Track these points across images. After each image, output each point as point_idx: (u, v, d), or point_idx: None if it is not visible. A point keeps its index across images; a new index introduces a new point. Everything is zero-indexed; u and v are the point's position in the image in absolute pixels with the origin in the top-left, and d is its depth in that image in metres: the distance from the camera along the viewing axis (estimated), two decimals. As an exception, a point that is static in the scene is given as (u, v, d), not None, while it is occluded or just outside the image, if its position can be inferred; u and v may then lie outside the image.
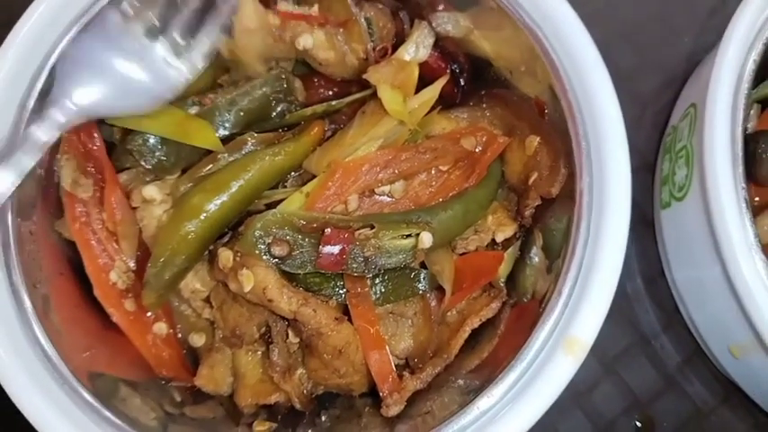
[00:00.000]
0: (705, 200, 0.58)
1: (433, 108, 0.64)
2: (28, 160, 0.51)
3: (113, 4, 0.56)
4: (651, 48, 0.81)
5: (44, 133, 0.52)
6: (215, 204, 0.55)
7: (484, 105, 0.66)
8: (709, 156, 0.58)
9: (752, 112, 0.66)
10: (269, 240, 0.53)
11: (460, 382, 0.56)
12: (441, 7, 0.66)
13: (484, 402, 0.50)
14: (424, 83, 0.65)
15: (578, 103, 0.57)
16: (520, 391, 0.50)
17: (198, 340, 0.59)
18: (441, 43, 0.67)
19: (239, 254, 0.54)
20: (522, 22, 0.59)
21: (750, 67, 0.61)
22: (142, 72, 0.55)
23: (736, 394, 0.72)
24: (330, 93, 0.68)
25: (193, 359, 0.61)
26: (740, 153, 0.58)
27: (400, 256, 0.55)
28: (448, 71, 0.67)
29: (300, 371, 0.56)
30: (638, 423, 0.72)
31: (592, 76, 0.57)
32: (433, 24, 0.66)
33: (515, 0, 0.60)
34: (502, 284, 0.60)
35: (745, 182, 0.58)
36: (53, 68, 0.55)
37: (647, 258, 0.76)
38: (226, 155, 0.59)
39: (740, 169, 0.58)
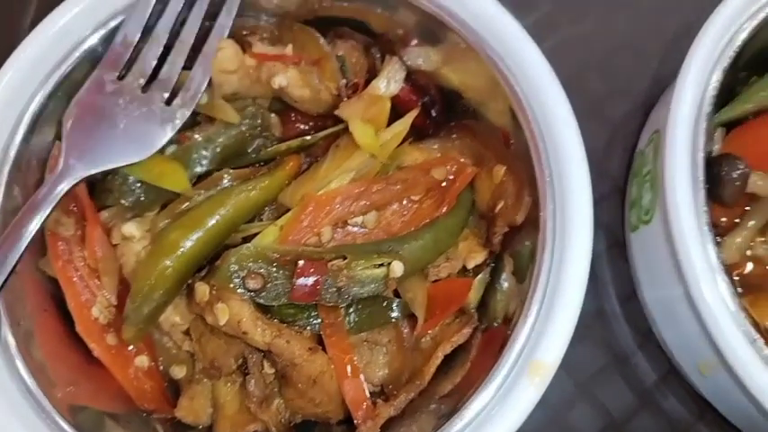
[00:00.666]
0: (667, 223, 0.60)
1: (405, 140, 0.66)
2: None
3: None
4: (621, 75, 0.84)
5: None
6: (191, 240, 0.57)
7: (454, 136, 0.68)
8: (670, 180, 0.59)
9: (716, 135, 0.68)
10: (243, 274, 0.55)
11: (433, 406, 0.57)
12: (414, 43, 0.68)
13: (454, 425, 0.52)
14: (397, 115, 0.67)
15: (540, 132, 0.59)
16: (489, 413, 0.52)
17: (179, 372, 0.61)
18: (412, 77, 0.69)
19: (215, 287, 0.56)
20: (485, 55, 0.62)
21: (710, 92, 0.63)
22: (142, 124, 0.58)
23: (711, 412, 0.73)
24: (307, 127, 0.70)
25: (175, 391, 0.62)
26: (701, 177, 0.60)
27: (373, 286, 0.57)
28: (419, 104, 0.70)
29: (278, 401, 0.58)
30: (614, 442, 0.73)
31: (553, 107, 0.59)
32: (405, 59, 0.69)
33: (480, 36, 0.62)
34: (473, 310, 0.61)
35: (706, 205, 0.60)
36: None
37: (621, 280, 0.77)
38: (203, 191, 0.61)
39: (701, 193, 0.60)
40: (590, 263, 0.56)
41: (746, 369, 0.57)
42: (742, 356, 0.57)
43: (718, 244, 0.65)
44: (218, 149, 0.63)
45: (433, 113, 0.71)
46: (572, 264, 0.55)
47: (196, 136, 0.63)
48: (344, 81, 0.69)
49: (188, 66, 0.61)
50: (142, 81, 0.59)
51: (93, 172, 0.55)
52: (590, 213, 0.57)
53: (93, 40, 0.61)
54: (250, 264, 0.56)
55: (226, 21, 0.62)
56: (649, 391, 0.75)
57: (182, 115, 0.58)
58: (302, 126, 0.69)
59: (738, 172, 0.63)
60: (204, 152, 0.62)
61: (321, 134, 0.65)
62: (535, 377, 0.52)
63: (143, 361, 0.60)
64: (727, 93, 0.68)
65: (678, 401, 0.74)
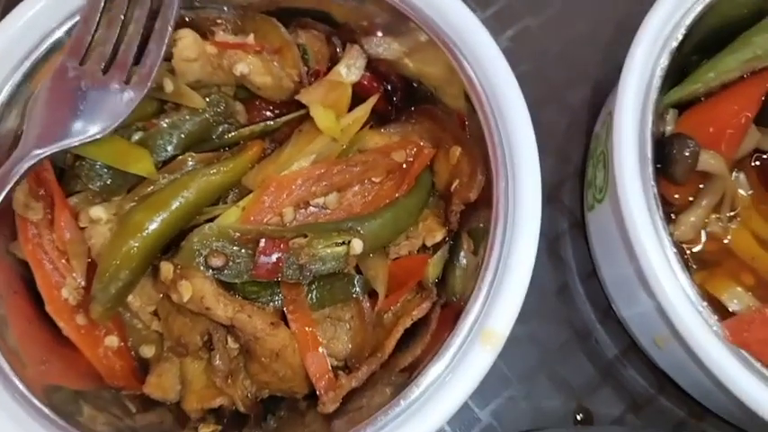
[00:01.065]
0: (616, 199, 0.62)
1: (367, 124, 0.69)
2: None
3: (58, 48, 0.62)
4: (579, 62, 0.87)
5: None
6: (156, 221, 0.59)
7: (413, 120, 0.70)
8: (617, 157, 0.62)
9: (669, 116, 0.70)
10: (206, 253, 0.57)
11: (393, 378, 0.59)
12: (375, 32, 0.71)
13: (411, 392, 0.54)
14: (360, 102, 0.69)
15: (492, 114, 0.61)
16: (444, 380, 0.54)
17: (148, 351, 0.63)
18: (373, 65, 0.72)
19: (179, 266, 0.58)
20: (442, 44, 0.64)
21: (658, 72, 0.66)
22: (102, 103, 0.59)
23: (670, 385, 0.75)
24: (271, 114, 0.72)
25: (144, 369, 0.64)
26: (649, 154, 0.62)
27: (333, 263, 0.59)
28: (381, 90, 0.72)
29: (243, 375, 0.60)
30: (577, 416, 0.75)
31: (504, 90, 0.62)
32: (366, 47, 0.71)
33: (437, 26, 0.64)
34: (432, 286, 0.63)
35: (655, 181, 0.62)
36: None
37: (583, 259, 0.80)
38: (167, 175, 0.62)
39: (650, 169, 0.62)
40: (539, 237, 0.58)
41: (695, 338, 0.59)
42: (690, 326, 0.59)
43: (671, 221, 0.68)
44: (184, 135, 0.65)
45: (394, 99, 0.73)
46: (523, 237, 0.57)
47: (162, 122, 0.64)
48: (306, 69, 0.71)
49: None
50: (103, 65, 0.60)
51: (53, 149, 0.57)
52: (538, 190, 0.59)
53: (59, 33, 0.63)
54: (212, 242, 0.58)
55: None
56: (611, 366, 0.77)
57: (138, 90, 0.60)
58: (267, 113, 0.71)
59: (689, 150, 0.65)
60: (170, 138, 0.64)
61: (283, 119, 0.67)
62: (487, 345, 0.54)
63: (113, 341, 0.62)
64: (680, 76, 0.71)
65: (638, 375, 0.77)
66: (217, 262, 0.57)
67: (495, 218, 0.58)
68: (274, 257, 0.57)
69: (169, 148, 0.64)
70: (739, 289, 0.66)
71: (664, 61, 0.66)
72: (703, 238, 0.69)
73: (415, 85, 0.71)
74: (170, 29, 0.62)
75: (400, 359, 0.60)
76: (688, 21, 0.67)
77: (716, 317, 0.59)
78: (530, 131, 0.60)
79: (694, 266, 0.68)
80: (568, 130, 0.84)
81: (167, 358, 0.61)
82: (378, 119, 0.71)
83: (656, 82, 0.65)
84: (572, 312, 0.79)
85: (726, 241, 0.69)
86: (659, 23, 0.66)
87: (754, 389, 0.57)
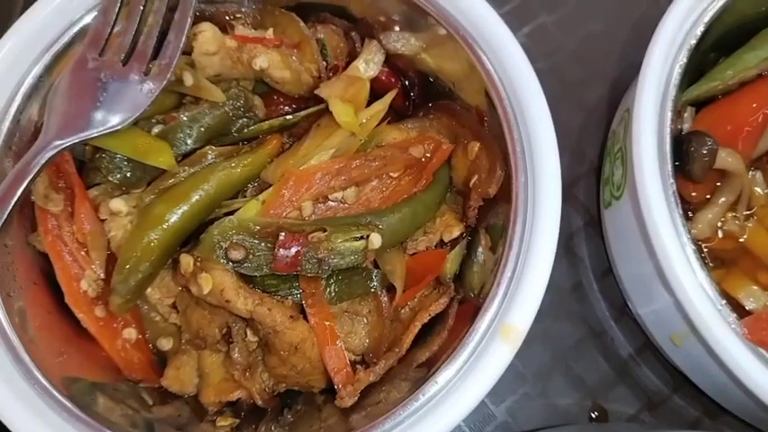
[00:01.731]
0: (635, 195, 0.62)
1: (385, 119, 0.69)
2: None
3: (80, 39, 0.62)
4: (596, 60, 0.87)
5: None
6: (176, 214, 0.59)
7: (431, 116, 0.70)
8: (637, 154, 0.62)
9: (686, 114, 0.70)
10: (226, 245, 0.57)
11: (411, 373, 0.59)
12: (393, 28, 0.71)
13: (430, 388, 0.54)
14: (378, 98, 0.69)
15: (512, 109, 0.61)
16: (463, 376, 0.54)
17: (166, 344, 0.63)
18: (392, 60, 0.72)
19: (199, 259, 0.58)
20: (462, 39, 0.64)
21: (677, 70, 0.66)
22: (122, 94, 0.60)
23: (686, 383, 0.75)
24: (290, 109, 0.72)
25: (162, 361, 0.64)
26: (668, 151, 0.62)
27: (352, 257, 0.59)
28: (399, 85, 0.72)
29: (261, 369, 0.60)
30: (592, 414, 0.75)
31: (524, 85, 0.62)
32: (384, 43, 0.71)
33: (456, 21, 0.64)
34: (449, 281, 0.63)
35: (674, 178, 0.62)
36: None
37: (598, 256, 0.80)
38: (187, 168, 0.63)
39: (668, 167, 0.62)
40: (558, 232, 0.58)
41: (714, 335, 0.59)
42: (709, 323, 0.59)
43: (689, 219, 0.68)
44: (203, 129, 0.65)
45: (412, 95, 0.73)
46: (542, 233, 0.57)
47: (182, 116, 0.64)
48: (325, 64, 0.71)
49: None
50: (123, 56, 0.60)
51: (74, 140, 0.57)
52: (558, 185, 0.59)
53: (87, 19, 0.63)
54: (233, 235, 0.58)
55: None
56: (625, 364, 0.77)
57: (158, 82, 0.60)
58: (285, 108, 0.71)
59: (707, 148, 0.65)
60: (189, 131, 0.64)
61: (302, 113, 0.68)
62: (506, 341, 0.54)
63: (131, 333, 0.62)
64: (699, 74, 0.71)
65: (653, 373, 0.77)
66: (237, 255, 0.57)
67: (514, 213, 0.58)
68: (293, 251, 0.57)
69: (189, 141, 0.64)
70: (755, 288, 0.66)
71: (682, 58, 0.66)
72: (720, 236, 0.69)
73: (432, 80, 0.71)
74: (189, 20, 0.62)
75: (418, 354, 0.61)
76: (707, 18, 0.67)
77: (734, 315, 0.59)
78: (549, 126, 0.60)
79: (711, 264, 0.68)
80: (583, 127, 0.84)
81: (185, 351, 0.61)
82: (396, 114, 0.71)
83: (675, 79, 0.65)
84: (587, 310, 0.79)
85: (742, 240, 0.69)
86: (678, 21, 0.66)
87: (773, 386, 0.57)
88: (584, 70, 0.86)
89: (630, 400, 0.76)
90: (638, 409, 0.75)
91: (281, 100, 0.71)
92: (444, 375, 0.54)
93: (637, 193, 0.61)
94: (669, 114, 0.63)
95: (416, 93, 0.73)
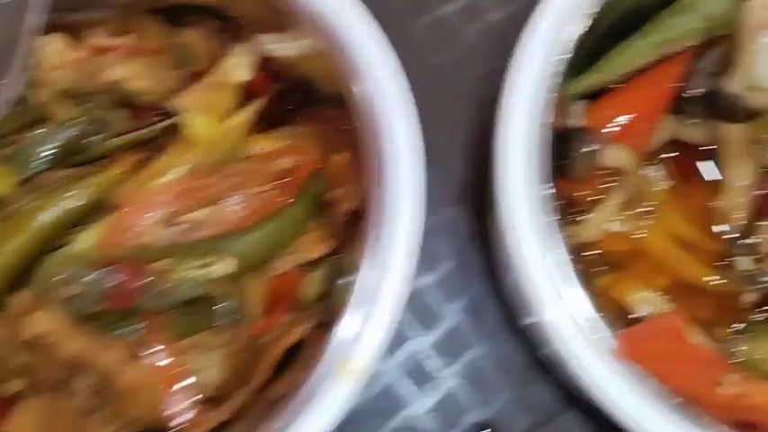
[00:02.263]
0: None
1: (255, 128, 0.64)
2: None
3: None
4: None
5: None
6: (7, 251, 0.55)
7: (305, 124, 0.66)
8: (496, 155, 0.57)
9: (574, 108, 0.65)
10: (58, 281, 0.54)
11: (271, 411, 0.55)
12: (271, 31, 0.66)
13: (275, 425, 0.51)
14: (253, 103, 0.65)
15: (373, 118, 0.57)
16: (300, 414, 0.50)
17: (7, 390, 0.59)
18: (268, 64, 0.67)
19: (29, 298, 0.54)
20: (331, 40, 0.60)
21: (554, 61, 0.59)
22: None
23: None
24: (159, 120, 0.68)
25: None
26: (535, 152, 0.57)
27: (200, 287, 0.56)
28: (273, 91, 0.67)
29: (102, 412, 0.56)
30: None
31: (388, 94, 0.57)
32: (259, 46, 0.67)
33: (325, 21, 0.60)
34: (311, 306, 0.60)
35: (554, 181, 0.58)
36: None
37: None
38: (30, 192, 0.59)
39: (537, 169, 0.57)
40: (418, 248, 0.54)
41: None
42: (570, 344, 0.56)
43: (576, 222, 0.64)
44: (55, 148, 0.61)
45: (289, 101, 0.69)
46: (398, 249, 0.54)
47: (30, 135, 0.61)
48: (190, 69, 0.66)
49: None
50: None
51: None
52: (419, 199, 0.55)
53: None
54: (67, 269, 0.54)
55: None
56: (519, 379, 0.73)
57: None
58: (152, 119, 0.67)
59: (586, 146, 0.61)
60: (39, 151, 0.61)
61: (159, 125, 0.63)
62: (348, 376, 0.50)
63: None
64: (584, 63, 0.66)
65: (546, 389, 0.72)
66: (70, 291, 0.53)
67: (365, 232, 0.54)
68: (129, 284, 0.53)
69: (37, 163, 0.60)
70: (647, 293, 0.62)
71: (565, 47, 0.60)
72: (611, 238, 0.64)
73: (311, 85, 0.67)
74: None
75: (276, 388, 0.57)
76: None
77: (609, 332, 0.55)
78: (411, 135, 0.56)
79: (598, 270, 0.64)
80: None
81: (27, 395, 0.57)
82: (270, 123, 0.67)
83: (550, 70, 0.59)
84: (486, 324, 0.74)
85: (639, 240, 0.65)
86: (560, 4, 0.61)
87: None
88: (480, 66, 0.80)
89: (521, 418, 0.72)
90: (528, 426, 0.71)
91: (155, 112, 0.67)
92: (284, 413, 0.50)
93: (497, 199, 0.57)
94: (540, 109, 0.58)
95: (293, 99, 0.68)
